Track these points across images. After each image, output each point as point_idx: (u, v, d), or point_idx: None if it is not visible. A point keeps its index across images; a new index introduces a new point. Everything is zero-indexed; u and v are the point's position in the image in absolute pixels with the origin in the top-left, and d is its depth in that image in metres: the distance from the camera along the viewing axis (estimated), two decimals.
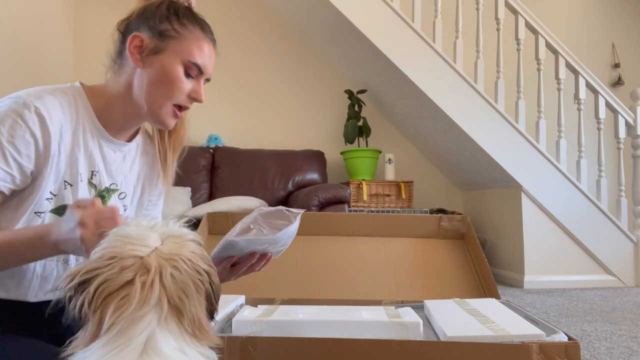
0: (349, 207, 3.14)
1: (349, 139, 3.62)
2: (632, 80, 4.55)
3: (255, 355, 0.81)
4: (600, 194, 3.36)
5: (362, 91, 3.71)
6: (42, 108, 0.81)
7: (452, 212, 3.49)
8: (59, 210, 0.86)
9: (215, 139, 3.66)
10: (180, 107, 0.92)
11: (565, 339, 0.83)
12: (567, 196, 3.27)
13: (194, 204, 3.18)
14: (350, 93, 3.69)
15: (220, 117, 3.86)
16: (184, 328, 0.53)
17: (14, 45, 2.98)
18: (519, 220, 3.26)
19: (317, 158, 3.59)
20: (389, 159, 3.67)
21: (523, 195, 3.23)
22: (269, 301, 1.20)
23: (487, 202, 3.71)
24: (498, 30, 3.37)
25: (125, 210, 1.00)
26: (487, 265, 1.34)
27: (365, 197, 3.46)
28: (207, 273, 0.57)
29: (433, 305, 1.06)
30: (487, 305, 1.07)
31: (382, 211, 3.46)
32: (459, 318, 0.96)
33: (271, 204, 3.25)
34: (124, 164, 0.98)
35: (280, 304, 1.20)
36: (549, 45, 3.39)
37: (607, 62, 4.59)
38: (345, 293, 1.30)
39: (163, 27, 0.88)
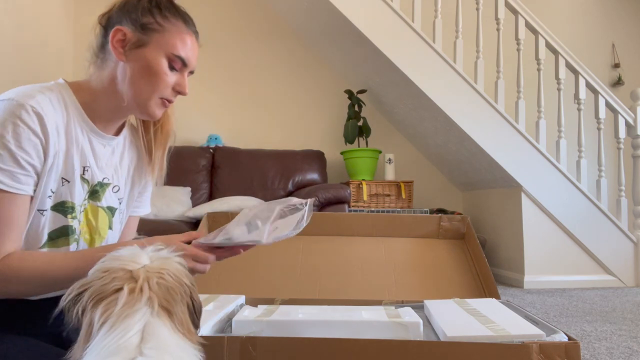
0: (349, 207, 3.14)
1: (349, 139, 3.62)
2: (632, 80, 4.55)
3: (255, 355, 0.81)
4: (600, 194, 3.36)
5: (362, 91, 3.71)
6: (37, 107, 0.81)
7: (452, 212, 3.49)
8: (58, 207, 0.87)
9: (215, 139, 3.66)
10: (167, 101, 0.92)
11: (565, 339, 0.83)
12: (567, 196, 3.27)
13: (194, 204, 3.18)
14: (350, 93, 3.69)
15: (220, 117, 3.86)
16: (175, 326, 0.57)
17: (13, 43, 2.98)
18: (519, 220, 3.26)
19: (317, 158, 3.59)
20: (389, 159, 3.67)
21: (523, 195, 3.23)
22: (269, 301, 1.20)
23: (487, 202, 3.71)
24: (498, 30, 3.37)
25: (120, 203, 1.00)
26: (487, 265, 1.34)
27: (365, 197, 3.46)
28: (189, 288, 0.62)
29: (433, 305, 1.06)
30: (487, 305, 1.07)
31: (382, 211, 3.46)
32: (459, 318, 0.96)
33: None
34: (113, 157, 0.98)
35: (280, 304, 1.20)
36: (549, 45, 3.39)
37: (607, 62, 4.59)
38: (345, 293, 1.30)
39: (145, 20, 0.88)
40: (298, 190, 3.31)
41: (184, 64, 0.91)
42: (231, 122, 3.88)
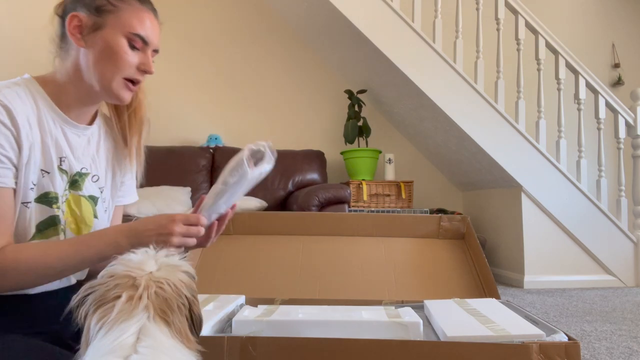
0: (349, 207, 3.14)
1: (349, 139, 3.62)
2: (632, 80, 4.55)
3: (255, 355, 0.81)
4: (600, 194, 3.36)
5: (362, 91, 3.71)
6: (4, 100, 0.81)
7: (452, 212, 3.49)
8: (42, 198, 0.87)
9: (215, 139, 3.66)
10: (132, 82, 0.92)
11: (565, 339, 0.83)
12: (567, 196, 3.27)
13: (194, 204, 3.18)
14: (350, 93, 3.69)
15: (220, 117, 3.86)
16: (173, 332, 0.58)
17: (13, 41, 2.98)
18: (519, 220, 3.26)
19: (317, 158, 3.59)
20: (389, 159, 3.67)
21: (523, 195, 3.23)
22: (269, 301, 1.20)
23: (487, 202, 3.71)
24: (498, 30, 3.37)
25: (102, 192, 0.99)
26: (487, 265, 1.34)
27: (365, 197, 3.46)
28: (189, 300, 0.63)
29: (433, 305, 1.06)
30: (487, 305, 1.07)
31: (382, 211, 3.46)
32: (459, 318, 0.96)
33: (271, 204, 3.26)
34: (89, 147, 0.98)
35: (280, 304, 1.20)
36: (549, 45, 3.39)
37: (607, 62, 4.59)
38: (345, 293, 1.30)
39: (99, 2, 0.88)
40: (298, 190, 3.31)
41: (145, 42, 0.90)
42: (231, 122, 3.88)
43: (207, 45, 3.87)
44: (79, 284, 1.01)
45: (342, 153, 3.72)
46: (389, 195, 3.54)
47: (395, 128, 4.11)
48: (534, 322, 0.93)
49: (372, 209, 3.48)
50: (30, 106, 0.86)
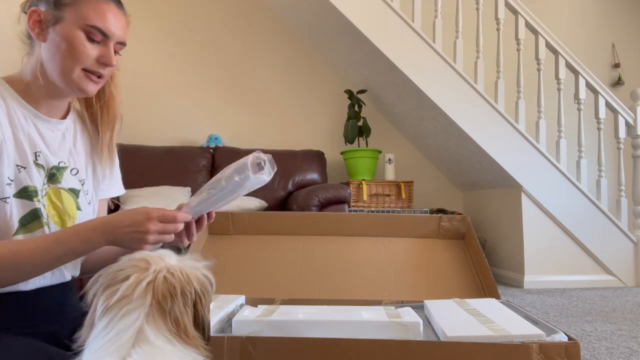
0: (349, 207, 3.14)
1: (349, 139, 3.62)
2: (632, 80, 4.55)
3: (255, 355, 0.81)
4: (600, 194, 3.37)
5: (362, 91, 3.71)
6: None
7: (452, 212, 3.49)
8: (22, 193, 0.87)
9: (215, 139, 3.66)
10: (94, 73, 0.91)
11: (565, 339, 0.83)
12: (567, 196, 3.27)
13: None
14: (350, 93, 3.69)
15: (220, 117, 3.86)
16: (167, 327, 0.58)
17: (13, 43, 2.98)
18: (519, 220, 3.26)
19: (317, 158, 3.58)
20: (389, 159, 3.67)
21: (523, 195, 3.23)
22: (269, 301, 1.20)
23: (487, 202, 3.71)
24: (498, 30, 3.37)
25: (83, 184, 0.99)
26: (487, 265, 1.33)
27: (365, 197, 3.46)
28: (197, 294, 0.63)
29: (433, 305, 1.06)
30: (487, 305, 1.06)
31: (382, 211, 3.46)
32: (459, 318, 0.96)
33: (271, 204, 3.26)
34: (65, 141, 0.97)
35: (280, 304, 1.20)
36: (549, 45, 3.39)
37: (607, 62, 4.60)
38: (345, 293, 1.30)
39: None
40: (298, 190, 3.31)
41: (104, 34, 0.89)
42: (231, 122, 3.88)
43: (207, 45, 3.87)
44: (79, 280, 1.01)
45: (342, 153, 3.72)
46: (389, 195, 3.54)
47: (395, 128, 4.11)
48: (534, 322, 0.93)
49: (372, 209, 3.48)
50: None
